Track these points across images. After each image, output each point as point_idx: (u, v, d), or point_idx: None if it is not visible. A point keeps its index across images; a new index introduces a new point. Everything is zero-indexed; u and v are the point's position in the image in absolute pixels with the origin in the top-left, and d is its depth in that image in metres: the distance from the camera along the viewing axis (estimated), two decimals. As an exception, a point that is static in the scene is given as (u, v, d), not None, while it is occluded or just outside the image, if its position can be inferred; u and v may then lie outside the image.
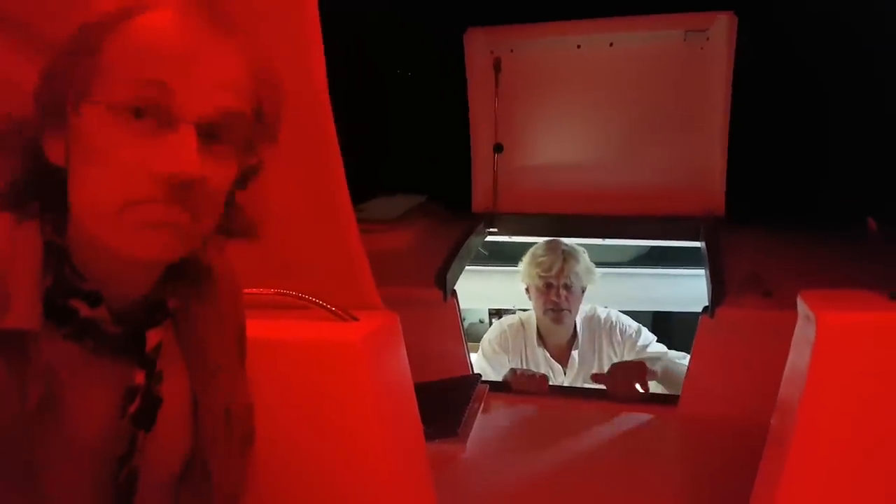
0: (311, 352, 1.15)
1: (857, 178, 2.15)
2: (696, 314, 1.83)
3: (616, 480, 1.56)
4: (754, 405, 1.26)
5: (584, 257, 2.29)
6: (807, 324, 1.06)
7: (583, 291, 2.28)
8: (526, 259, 2.32)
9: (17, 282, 0.60)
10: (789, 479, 1.03)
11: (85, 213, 0.61)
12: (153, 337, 0.69)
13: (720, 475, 1.47)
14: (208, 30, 0.61)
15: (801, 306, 1.09)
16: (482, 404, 1.86)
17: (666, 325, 3.26)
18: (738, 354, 1.72)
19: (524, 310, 3.55)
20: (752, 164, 2.26)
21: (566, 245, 2.29)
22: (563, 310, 2.23)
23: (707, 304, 1.78)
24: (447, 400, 1.83)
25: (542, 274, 2.23)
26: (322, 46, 0.93)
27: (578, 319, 2.30)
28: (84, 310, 0.63)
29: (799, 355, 1.09)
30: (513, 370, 2.10)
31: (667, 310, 3.32)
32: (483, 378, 2.05)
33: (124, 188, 0.59)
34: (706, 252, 2.00)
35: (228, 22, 0.63)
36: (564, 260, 2.22)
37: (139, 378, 0.68)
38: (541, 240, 2.61)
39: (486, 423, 1.82)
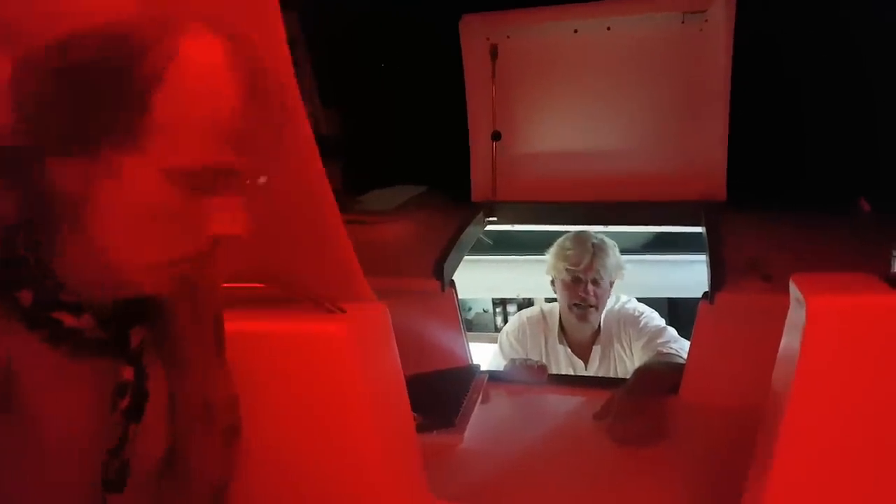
0: (298, 343, 1.14)
1: (861, 161, 2.11)
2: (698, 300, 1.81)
3: (616, 470, 1.54)
4: (755, 392, 1.23)
5: (614, 251, 2.22)
6: (797, 307, 1.04)
7: (611, 285, 2.22)
8: (553, 251, 2.25)
9: None
10: (780, 464, 1.01)
11: (121, 258, 0.62)
12: (137, 334, 0.71)
13: (722, 463, 1.45)
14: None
15: (793, 289, 1.07)
16: (481, 395, 1.85)
17: (679, 312, 3.25)
18: (738, 340, 1.69)
19: (528, 299, 3.55)
20: (754, 148, 2.22)
21: (596, 237, 2.22)
22: (590, 306, 2.17)
23: (707, 289, 1.76)
24: (445, 391, 1.82)
25: (570, 268, 2.16)
26: (285, 39, 0.91)
27: (603, 312, 2.24)
28: (68, 320, 0.64)
29: (790, 339, 1.07)
30: (512, 360, 2.08)
31: (672, 296, 3.30)
32: (484, 368, 2.04)
33: (177, 247, 0.62)
34: (706, 237, 1.97)
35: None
36: (594, 254, 2.15)
37: (127, 374, 0.70)
38: (544, 228, 2.59)
39: (485, 413, 1.80)
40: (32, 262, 0.63)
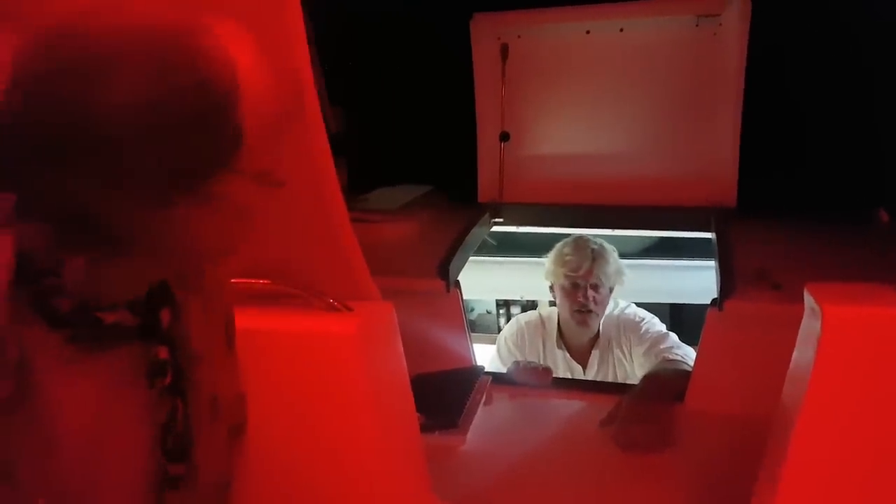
0: (305, 342, 1.13)
1: (874, 169, 2.09)
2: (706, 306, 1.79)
3: (619, 475, 1.53)
4: (763, 401, 1.22)
5: (614, 256, 2.21)
6: (812, 317, 1.02)
7: (611, 291, 2.21)
8: (552, 257, 2.24)
9: None
10: (790, 474, 1.00)
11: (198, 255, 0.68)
12: (167, 315, 0.73)
13: (727, 471, 1.44)
14: None
15: (808, 299, 1.06)
16: (484, 396, 1.84)
17: (682, 318, 3.24)
18: (746, 348, 1.67)
19: (531, 301, 3.53)
20: (765, 154, 2.20)
21: (595, 243, 2.20)
22: (590, 312, 2.16)
23: (716, 296, 1.74)
24: (448, 391, 1.81)
25: (569, 274, 2.15)
26: (305, 38, 0.90)
27: (602, 317, 2.23)
28: (108, 317, 0.65)
29: (803, 349, 1.06)
30: (516, 362, 2.06)
31: (679, 302, 3.28)
32: (487, 370, 2.03)
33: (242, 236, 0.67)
34: (716, 243, 1.96)
35: None
36: (593, 260, 2.14)
37: (162, 353, 0.72)
38: (550, 230, 2.57)
39: (488, 415, 1.79)
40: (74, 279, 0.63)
